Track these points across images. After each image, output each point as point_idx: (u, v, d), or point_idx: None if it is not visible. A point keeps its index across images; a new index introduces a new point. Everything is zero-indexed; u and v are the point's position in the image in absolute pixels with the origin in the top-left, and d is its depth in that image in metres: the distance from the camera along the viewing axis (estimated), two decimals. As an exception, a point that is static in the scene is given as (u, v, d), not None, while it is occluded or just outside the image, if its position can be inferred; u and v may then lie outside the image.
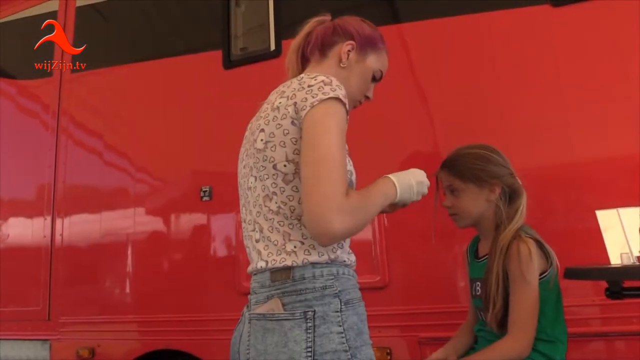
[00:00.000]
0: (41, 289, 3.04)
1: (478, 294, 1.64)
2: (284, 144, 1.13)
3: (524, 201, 1.60)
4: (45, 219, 3.16)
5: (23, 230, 3.25)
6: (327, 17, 1.41)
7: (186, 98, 2.94)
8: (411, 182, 1.25)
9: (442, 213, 1.73)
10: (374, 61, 1.36)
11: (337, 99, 1.11)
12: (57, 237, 3.10)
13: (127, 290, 2.86)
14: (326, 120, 1.09)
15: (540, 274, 1.50)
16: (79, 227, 3.08)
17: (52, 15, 3.45)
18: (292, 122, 1.12)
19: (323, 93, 1.11)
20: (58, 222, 3.12)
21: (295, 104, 1.13)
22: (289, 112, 1.13)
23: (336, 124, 1.10)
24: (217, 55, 2.88)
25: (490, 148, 1.66)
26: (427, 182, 1.30)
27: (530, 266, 1.47)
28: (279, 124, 1.14)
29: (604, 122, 2.08)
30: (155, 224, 2.89)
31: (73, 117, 3.25)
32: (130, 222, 2.92)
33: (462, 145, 1.69)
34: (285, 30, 2.74)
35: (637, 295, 1.48)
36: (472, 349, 1.70)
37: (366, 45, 1.35)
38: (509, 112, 2.22)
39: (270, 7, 2.80)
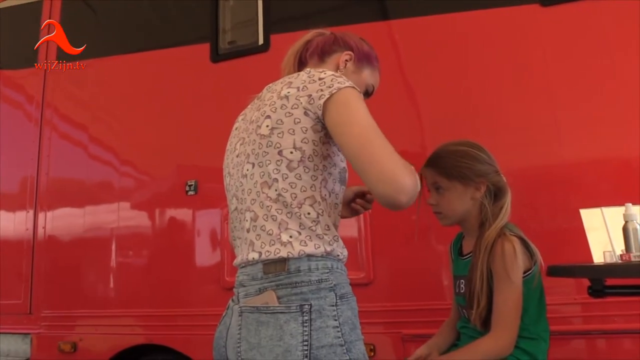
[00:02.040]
0: (23, 283, 3.01)
1: (462, 291, 1.64)
2: (293, 131, 1.14)
3: (508, 199, 1.59)
4: (28, 212, 3.12)
5: (5, 222, 3.21)
6: (327, 31, 1.46)
7: (173, 91, 2.92)
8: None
9: (426, 211, 1.73)
10: (369, 76, 1.43)
11: (353, 87, 1.16)
12: (40, 230, 3.06)
13: (110, 284, 2.84)
14: (351, 101, 1.14)
15: (524, 272, 1.50)
16: (62, 220, 3.05)
17: (38, 5, 3.40)
18: (305, 113, 1.14)
19: (339, 83, 1.15)
20: (41, 215, 3.08)
21: (309, 95, 1.15)
22: (301, 103, 1.15)
23: (362, 104, 1.14)
24: (205, 48, 2.86)
25: (476, 145, 1.65)
26: None
27: (514, 264, 1.47)
28: (289, 112, 1.15)
29: (592, 122, 2.10)
30: (139, 218, 2.87)
31: (57, 108, 3.21)
32: (115, 216, 2.89)
33: (446, 142, 1.68)
34: (273, 24, 2.73)
35: (619, 293, 1.49)
36: (454, 345, 1.71)
37: (363, 59, 1.41)
38: (497, 111, 2.23)
39: (259, 1, 2.79)
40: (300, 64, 1.42)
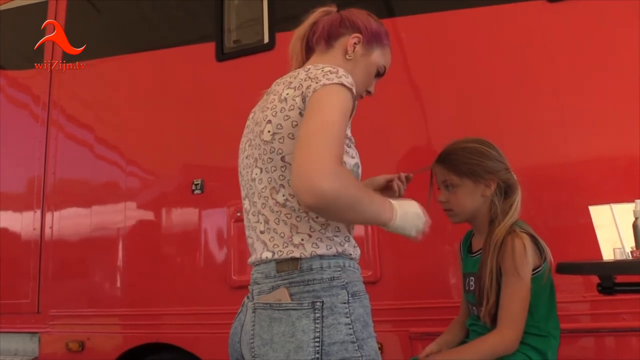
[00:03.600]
0: (30, 282, 3.02)
1: (471, 288, 1.63)
2: (293, 136, 1.12)
3: (518, 196, 1.59)
4: (35, 211, 3.13)
5: (13, 222, 3.22)
6: (333, 9, 1.41)
7: (178, 90, 2.92)
8: (408, 210, 1.17)
9: (433, 209, 1.72)
10: (379, 56, 1.37)
11: (342, 84, 1.11)
12: (47, 230, 3.07)
13: (118, 283, 2.84)
14: (328, 98, 1.08)
15: (534, 270, 1.50)
16: (69, 220, 3.05)
17: (43, 5, 3.41)
18: (300, 114, 1.12)
19: (327, 79, 1.11)
20: (48, 215, 3.09)
21: (302, 93, 1.13)
22: (296, 103, 1.13)
23: (338, 102, 1.08)
24: (210, 47, 2.86)
25: (487, 142, 1.65)
26: (423, 218, 1.22)
27: (524, 262, 1.46)
28: (287, 116, 1.14)
29: (599, 118, 2.08)
30: (146, 217, 2.87)
31: (64, 109, 3.22)
32: (121, 215, 2.90)
33: (457, 139, 1.67)
34: (279, 23, 2.72)
35: (629, 290, 1.48)
36: (463, 342, 1.70)
37: (372, 39, 1.35)
38: (503, 108, 2.22)
39: (265, 0, 2.79)
40: (308, 50, 1.38)
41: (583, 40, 2.17)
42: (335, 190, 0.97)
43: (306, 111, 1.08)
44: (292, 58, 1.39)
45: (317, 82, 1.10)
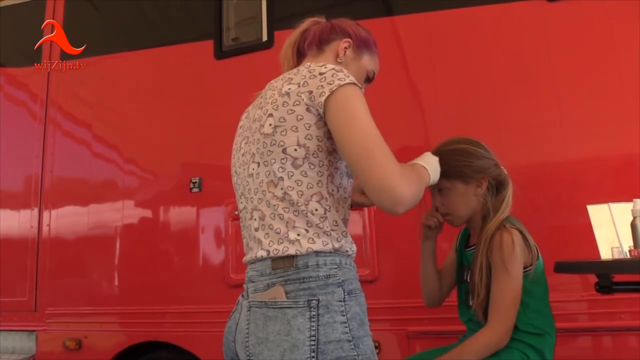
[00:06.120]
0: (28, 280, 3.01)
1: (467, 279, 1.64)
2: (296, 128, 1.13)
3: (509, 191, 1.59)
4: (33, 209, 3.13)
5: (10, 220, 3.21)
6: (322, 19, 1.45)
7: (177, 88, 2.92)
8: (438, 168, 1.38)
9: (425, 210, 1.72)
10: (368, 61, 1.42)
11: (354, 84, 1.14)
12: (45, 228, 3.06)
13: (115, 281, 2.84)
14: (352, 101, 1.12)
15: (526, 267, 1.50)
16: (66, 218, 3.05)
17: (42, 2, 3.40)
18: (307, 109, 1.13)
19: (339, 79, 1.13)
20: (45, 213, 3.09)
21: (310, 92, 1.14)
22: (302, 99, 1.14)
23: (362, 104, 1.13)
24: (209, 45, 2.86)
25: (473, 141, 1.64)
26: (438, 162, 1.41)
27: (512, 256, 1.46)
28: (291, 110, 1.14)
29: (598, 118, 2.09)
30: (143, 215, 2.87)
31: (61, 106, 3.21)
32: (119, 213, 2.89)
33: (443, 142, 1.65)
34: (277, 21, 2.72)
35: (627, 289, 1.48)
36: (459, 340, 1.68)
37: (362, 45, 1.40)
38: (501, 108, 2.22)
39: (263, -2, 2.79)
40: (299, 56, 1.41)
41: (582, 39, 2.18)
42: (413, 192, 1.10)
43: (336, 119, 1.11)
44: (283, 64, 1.42)
45: (329, 83, 1.12)
